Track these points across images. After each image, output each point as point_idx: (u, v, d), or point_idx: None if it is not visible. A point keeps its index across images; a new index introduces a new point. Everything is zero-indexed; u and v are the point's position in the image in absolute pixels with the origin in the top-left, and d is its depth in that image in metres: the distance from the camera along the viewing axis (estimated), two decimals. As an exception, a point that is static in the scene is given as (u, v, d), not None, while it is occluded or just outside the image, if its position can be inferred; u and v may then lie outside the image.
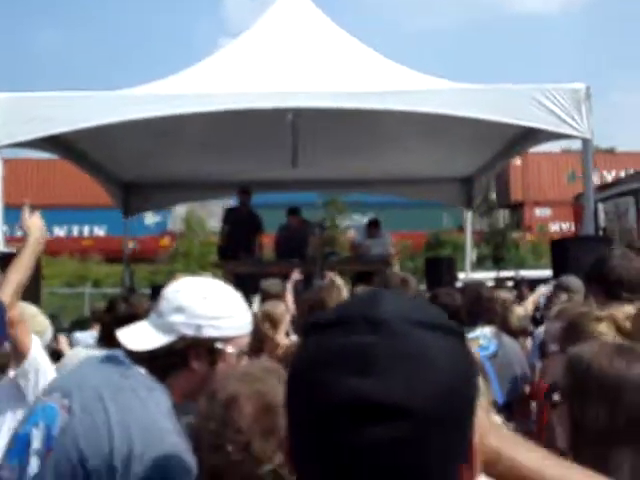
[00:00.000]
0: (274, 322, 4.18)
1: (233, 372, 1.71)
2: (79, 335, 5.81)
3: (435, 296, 3.97)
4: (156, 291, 9.09)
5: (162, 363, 1.87)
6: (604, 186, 12.14)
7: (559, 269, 6.31)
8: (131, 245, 14.22)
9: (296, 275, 6.42)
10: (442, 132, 8.23)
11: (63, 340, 5.48)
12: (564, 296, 4.50)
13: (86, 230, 28.44)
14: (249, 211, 10.08)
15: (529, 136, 7.67)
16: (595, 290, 3.17)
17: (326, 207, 26.16)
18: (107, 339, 3.89)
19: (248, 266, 8.88)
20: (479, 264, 18.39)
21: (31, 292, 6.38)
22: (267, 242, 10.71)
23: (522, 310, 5.47)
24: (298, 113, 7.35)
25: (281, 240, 9.97)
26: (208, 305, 1.88)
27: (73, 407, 1.79)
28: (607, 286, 3.06)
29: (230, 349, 1.91)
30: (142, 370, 1.86)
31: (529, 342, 4.95)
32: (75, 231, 28.51)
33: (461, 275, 11.16)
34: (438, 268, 10.23)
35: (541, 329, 4.14)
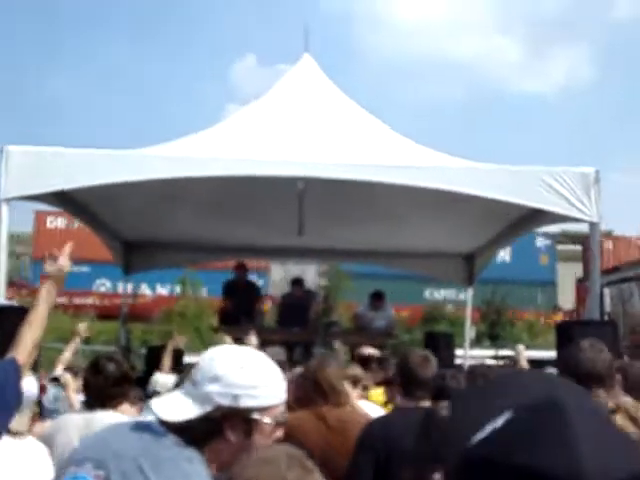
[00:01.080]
0: None
1: (255, 456, 1.64)
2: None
3: (441, 377, 3.90)
4: (152, 351, 9.02)
5: (197, 433, 1.82)
6: (608, 270, 12.15)
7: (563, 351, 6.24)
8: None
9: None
10: (447, 208, 8.25)
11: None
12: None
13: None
14: (246, 281, 10.15)
15: (535, 217, 7.68)
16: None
17: (328, 277, 26.17)
18: (96, 401, 3.78)
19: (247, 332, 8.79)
20: (477, 341, 18.27)
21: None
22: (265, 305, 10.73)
23: None
24: (307, 182, 7.38)
25: (283, 308, 9.96)
26: (245, 374, 1.84)
27: (111, 478, 1.73)
28: (576, 378, 3.03)
29: (267, 419, 1.86)
30: (178, 439, 1.80)
31: None
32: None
33: (459, 352, 11.04)
34: (436, 343, 10.14)
35: None
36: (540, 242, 29.49)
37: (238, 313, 9.26)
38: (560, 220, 7.21)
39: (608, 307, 11.27)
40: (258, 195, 8.29)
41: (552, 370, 6.17)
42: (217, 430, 1.83)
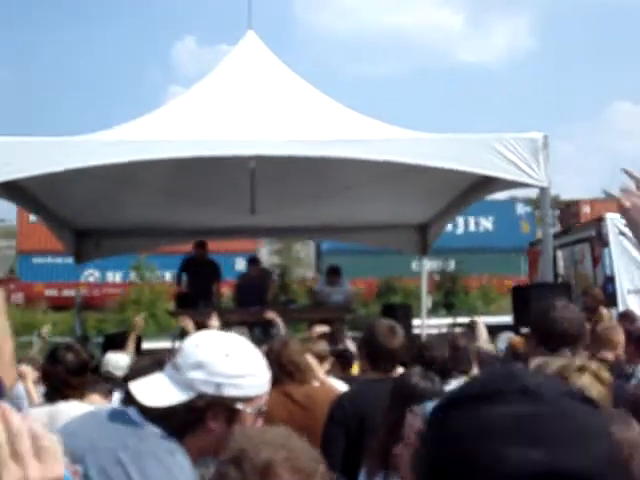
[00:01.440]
0: None
1: (261, 437, 1.59)
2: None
3: (427, 347, 3.92)
4: (109, 339, 8.92)
5: (178, 421, 1.76)
6: (559, 233, 12.34)
7: (520, 315, 6.35)
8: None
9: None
10: (399, 180, 8.28)
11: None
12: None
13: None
14: (207, 259, 10.03)
15: (486, 184, 7.75)
16: (536, 342, 3.19)
17: (281, 255, 26.23)
18: (57, 393, 3.70)
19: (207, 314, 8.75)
20: (432, 311, 18.45)
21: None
22: (224, 289, 10.64)
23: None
24: (257, 160, 7.33)
25: (240, 288, 9.91)
26: (230, 363, 1.78)
27: (89, 474, 1.65)
28: (550, 338, 3.08)
29: (250, 409, 1.81)
30: (156, 429, 1.74)
31: None
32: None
33: (416, 322, 11.14)
34: (394, 315, 10.22)
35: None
36: (520, 209, 30.00)
37: (195, 296, 9.17)
38: (511, 186, 7.29)
39: (561, 270, 11.47)
40: (209, 176, 8.22)
41: (509, 334, 6.28)
42: (199, 418, 1.77)
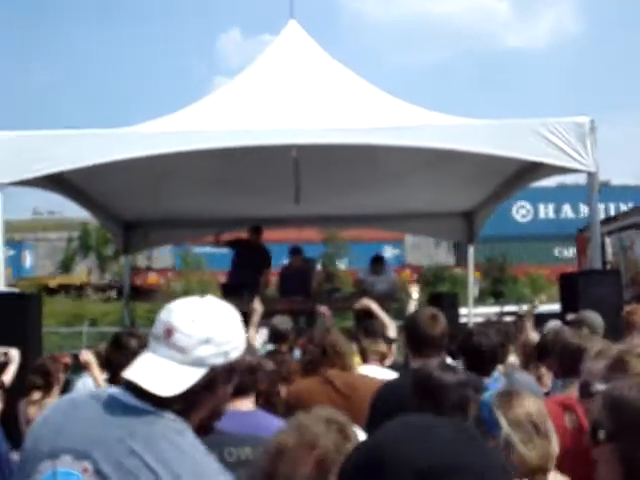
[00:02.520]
0: None
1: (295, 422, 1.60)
2: (84, 381, 5.36)
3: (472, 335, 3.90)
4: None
5: (190, 400, 1.74)
6: (607, 219, 12.12)
7: (568, 303, 6.25)
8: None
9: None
10: (443, 167, 8.21)
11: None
12: (586, 332, 4.42)
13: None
14: (259, 245, 10.06)
15: (532, 170, 7.63)
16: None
17: (326, 243, 26.28)
18: (121, 378, 3.74)
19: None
20: (480, 299, 18.32)
21: (33, 333, 6.31)
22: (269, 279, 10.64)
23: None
24: (301, 149, 7.32)
25: (284, 278, 9.91)
26: (229, 329, 1.80)
27: (103, 470, 1.58)
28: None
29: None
30: (157, 409, 1.69)
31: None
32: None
33: (463, 311, 11.04)
34: (440, 304, 10.13)
35: None
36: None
37: (241, 284, 9.17)
38: (557, 172, 7.17)
39: (609, 256, 11.25)
40: (252, 166, 8.23)
41: (556, 322, 6.18)
42: (211, 390, 1.77)
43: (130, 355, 3.68)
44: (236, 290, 9.22)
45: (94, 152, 6.49)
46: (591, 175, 6.50)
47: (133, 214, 10.56)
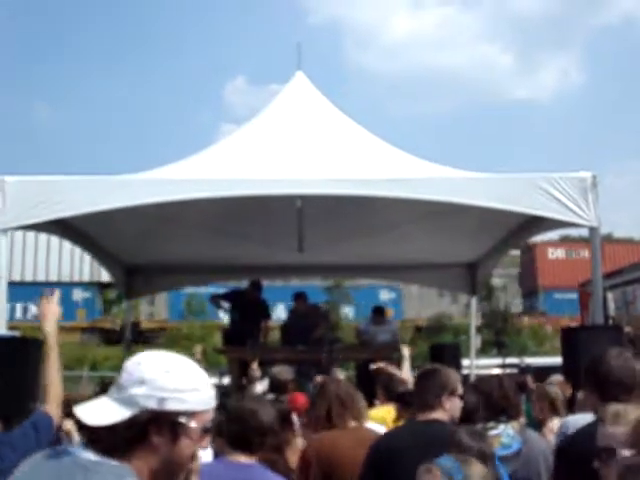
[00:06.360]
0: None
1: None
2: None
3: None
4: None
5: (122, 438, 1.75)
6: (610, 274, 12.11)
7: (569, 358, 6.22)
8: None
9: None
10: (446, 219, 8.24)
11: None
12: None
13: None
14: (258, 298, 10.07)
15: (535, 223, 7.67)
16: (590, 389, 3.12)
17: (329, 292, 26.21)
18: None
19: (253, 353, 8.77)
20: (482, 350, 18.21)
21: (33, 374, 6.28)
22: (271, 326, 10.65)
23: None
24: (305, 199, 7.37)
25: (288, 325, 9.90)
26: (171, 378, 1.80)
27: None
28: (604, 387, 3.01)
29: (194, 424, 1.81)
30: (100, 458, 1.73)
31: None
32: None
33: (465, 362, 10.99)
34: (442, 355, 10.09)
35: (569, 419, 3.96)
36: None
37: (244, 334, 9.17)
38: (559, 226, 7.20)
39: (612, 311, 11.21)
40: (257, 214, 8.28)
41: (557, 377, 6.15)
42: (142, 435, 1.76)
43: None
44: (238, 337, 9.22)
45: (97, 199, 6.53)
46: (593, 230, 6.52)
47: (135, 259, 10.58)
